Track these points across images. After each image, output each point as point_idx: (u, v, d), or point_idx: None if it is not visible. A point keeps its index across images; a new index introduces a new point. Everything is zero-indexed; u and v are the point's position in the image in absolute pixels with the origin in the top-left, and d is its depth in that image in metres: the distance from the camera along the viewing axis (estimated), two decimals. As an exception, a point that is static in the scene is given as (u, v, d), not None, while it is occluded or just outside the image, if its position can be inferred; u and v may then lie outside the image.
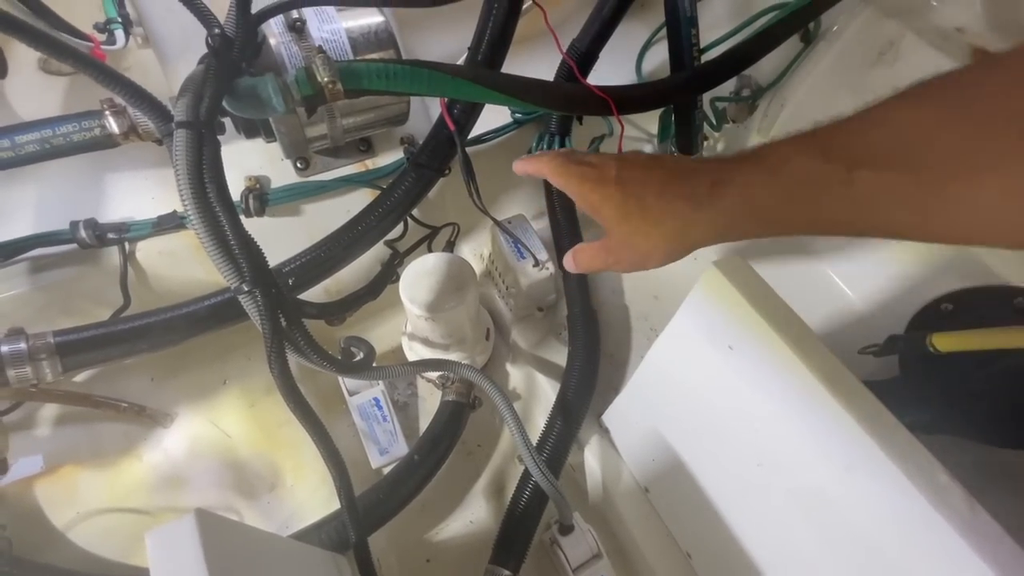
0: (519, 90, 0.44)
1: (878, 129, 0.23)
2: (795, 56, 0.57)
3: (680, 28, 0.51)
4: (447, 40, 0.64)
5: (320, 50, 0.37)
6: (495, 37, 0.48)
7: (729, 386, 0.32)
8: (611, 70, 0.72)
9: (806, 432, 0.27)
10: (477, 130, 0.65)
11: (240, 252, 0.31)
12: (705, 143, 0.63)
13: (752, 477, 0.34)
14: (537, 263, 0.57)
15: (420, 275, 0.51)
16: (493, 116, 0.65)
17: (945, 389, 0.46)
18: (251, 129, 0.44)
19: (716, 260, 0.32)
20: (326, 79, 0.36)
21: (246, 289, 0.32)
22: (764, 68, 0.60)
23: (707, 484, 0.40)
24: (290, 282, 0.48)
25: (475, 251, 0.68)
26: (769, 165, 0.27)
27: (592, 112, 0.48)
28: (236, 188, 0.51)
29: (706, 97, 0.61)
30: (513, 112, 0.65)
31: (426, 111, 0.62)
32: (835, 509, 0.27)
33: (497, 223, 0.55)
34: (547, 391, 0.58)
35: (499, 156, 0.67)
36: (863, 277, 0.58)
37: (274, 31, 0.40)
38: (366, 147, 0.56)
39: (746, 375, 0.30)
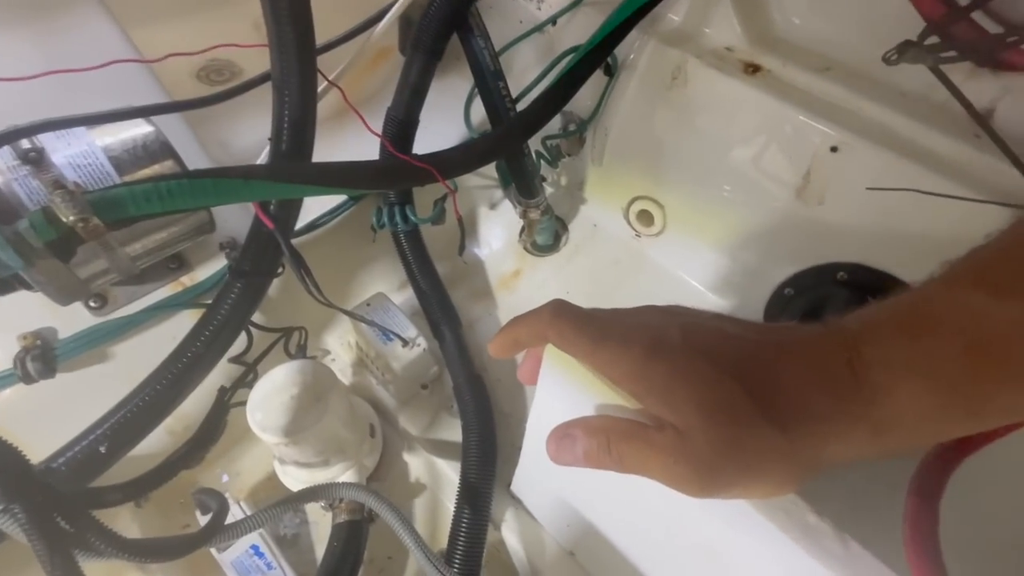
0: (331, 178, 0.41)
1: None
2: (604, 88, 0.60)
3: (488, 83, 0.51)
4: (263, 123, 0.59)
5: (58, 184, 0.30)
6: (296, 121, 0.44)
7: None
8: (442, 127, 0.71)
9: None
10: (311, 214, 0.60)
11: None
12: (545, 182, 0.64)
13: (656, 532, 0.33)
14: (406, 343, 0.53)
15: (268, 396, 0.44)
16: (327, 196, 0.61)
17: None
18: (2, 286, 0.36)
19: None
20: (73, 217, 0.30)
21: (-2, 509, 0.24)
22: (582, 103, 0.63)
23: (621, 541, 0.38)
24: (101, 450, 0.39)
25: (342, 340, 0.62)
26: (937, 327, 0.19)
27: (420, 183, 0.46)
28: (7, 353, 0.42)
29: (538, 137, 0.62)
30: (347, 188, 0.61)
31: (245, 206, 0.57)
32: (726, 563, 0.26)
33: (349, 314, 0.50)
34: (451, 474, 0.53)
35: (341, 235, 0.62)
36: (712, 275, 0.61)
37: (0, 168, 0.33)
38: (177, 264, 0.49)
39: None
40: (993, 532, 0.39)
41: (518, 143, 0.51)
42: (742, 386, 0.20)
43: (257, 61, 0.79)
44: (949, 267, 0.21)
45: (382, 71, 0.77)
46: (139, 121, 0.39)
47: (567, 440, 0.25)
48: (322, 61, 0.60)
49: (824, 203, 0.49)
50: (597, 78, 0.59)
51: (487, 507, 0.48)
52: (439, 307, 0.58)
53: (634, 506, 0.34)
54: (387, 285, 0.64)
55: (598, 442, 0.23)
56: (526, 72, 0.64)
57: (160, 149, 0.39)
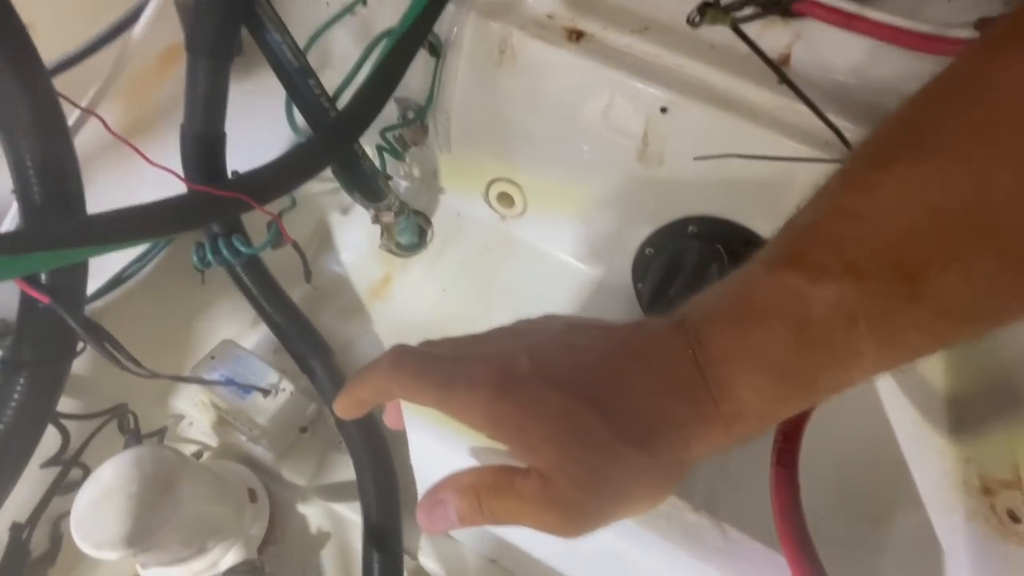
0: (112, 232, 0.33)
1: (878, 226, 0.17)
2: (434, 69, 0.55)
3: (295, 82, 0.45)
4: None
5: None
6: (45, 165, 0.34)
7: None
8: (265, 135, 0.63)
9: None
10: (113, 266, 0.50)
11: None
12: (392, 179, 0.59)
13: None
14: (267, 392, 0.47)
15: (96, 504, 0.36)
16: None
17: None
18: None
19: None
20: None
21: None
22: (416, 88, 0.58)
23: (533, 543, 0.38)
24: None
25: (194, 400, 0.54)
26: (759, 314, 0.19)
27: (233, 215, 0.39)
28: None
29: (375, 130, 0.57)
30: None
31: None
32: (628, 565, 0.26)
33: (186, 379, 0.43)
34: (353, 516, 0.49)
35: (161, 283, 0.53)
36: (579, 247, 0.61)
37: None
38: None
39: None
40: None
41: (345, 146, 0.45)
42: (595, 409, 0.20)
43: None
44: (768, 246, 0.21)
45: (176, 74, 0.65)
46: None
47: (439, 507, 0.22)
48: (73, 80, 0.49)
49: (664, 163, 0.51)
50: (425, 60, 0.55)
51: (397, 542, 0.45)
52: (301, 339, 0.52)
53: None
54: (235, 328, 0.56)
55: (469, 503, 0.21)
56: (346, 61, 0.57)
57: None
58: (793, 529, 0.21)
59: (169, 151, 0.48)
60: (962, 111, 0.17)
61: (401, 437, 0.53)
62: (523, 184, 0.61)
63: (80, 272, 0.39)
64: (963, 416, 0.34)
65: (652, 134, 0.49)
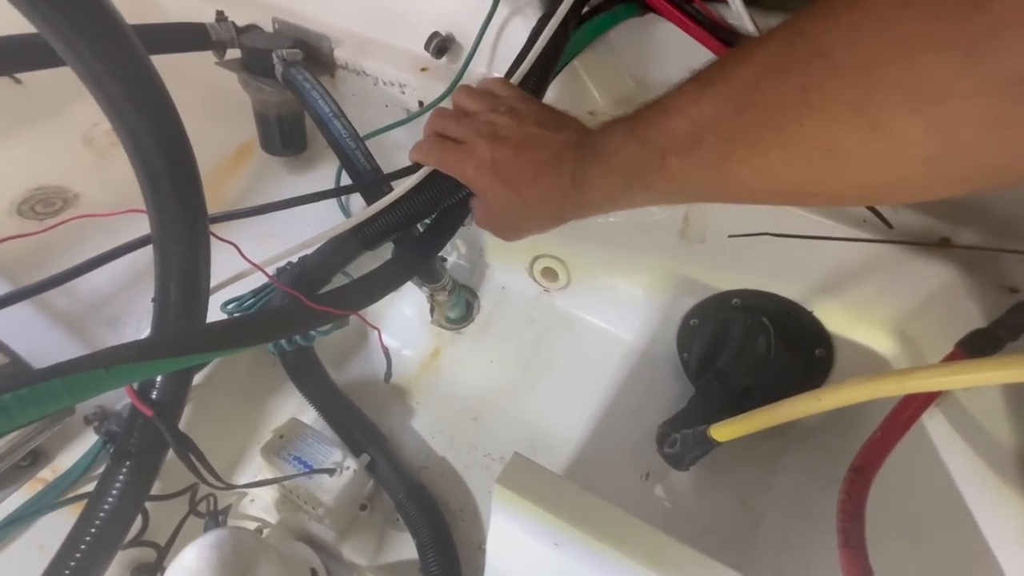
0: (219, 341, 0.36)
1: (676, 118, 0.26)
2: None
3: (340, 144, 0.48)
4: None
5: None
6: (184, 274, 0.37)
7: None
8: (318, 218, 0.68)
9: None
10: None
11: None
12: (445, 261, 0.63)
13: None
14: (332, 471, 0.49)
15: (184, 590, 0.38)
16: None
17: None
18: None
19: (500, 475, 0.29)
20: None
21: None
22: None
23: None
24: None
25: (257, 476, 0.56)
26: (607, 158, 0.31)
27: (330, 322, 0.43)
28: None
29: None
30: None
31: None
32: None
33: (263, 483, 0.45)
34: (415, 596, 0.49)
35: (240, 360, 0.56)
36: (623, 318, 0.63)
37: None
38: (29, 460, 0.41)
39: (584, 567, 0.28)
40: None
41: (426, 263, 0.49)
42: (513, 188, 0.36)
43: (94, 180, 0.70)
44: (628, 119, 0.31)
45: (246, 171, 0.71)
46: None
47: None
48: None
49: (706, 240, 0.53)
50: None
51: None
52: (355, 430, 0.54)
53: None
54: (299, 403, 0.58)
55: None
56: (404, 158, 0.63)
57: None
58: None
59: (237, 238, 0.53)
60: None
61: (456, 519, 0.54)
62: (567, 260, 0.64)
63: (183, 385, 0.42)
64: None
65: (693, 215, 0.53)
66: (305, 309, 0.40)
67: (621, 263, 0.60)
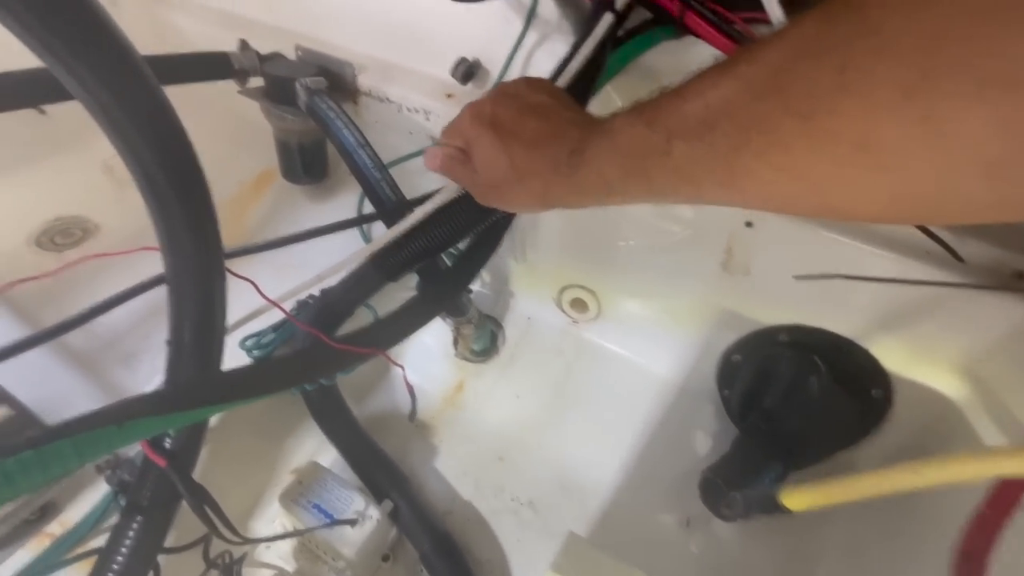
0: (240, 390, 0.34)
1: (691, 102, 0.23)
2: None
3: (365, 174, 0.46)
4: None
5: None
6: (199, 314, 0.35)
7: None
8: (341, 244, 0.66)
9: None
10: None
11: None
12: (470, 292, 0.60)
13: None
14: (353, 522, 0.46)
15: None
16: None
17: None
18: None
19: (555, 562, 0.25)
20: None
21: None
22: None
23: None
24: None
25: (273, 522, 0.53)
26: (611, 136, 0.28)
27: (356, 364, 0.40)
28: None
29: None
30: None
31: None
32: None
33: (282, 536, 0.42)
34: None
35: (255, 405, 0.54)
36: (658, 351, 0.60)
37: None
38: (38, 514, 0.39)
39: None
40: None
41: (456, 297, 0.46)
42: (510, 156, 0.33)
43: (115, 210, 0.69)
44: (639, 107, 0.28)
45: (267, 198, 0.70)
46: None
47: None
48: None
49: (751, 273, 0.50)
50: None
51: None
52: (378, 473, 0.51)
53: None
54: (318, 441, 0.56)
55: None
56: (429, 187, 0.61)
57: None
58: None
59: (256, 269, 0.51)
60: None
61: (482, 568, 0.50)
62: (598, 290, 0.61)
63: (197, 435, 0.39)
64: None
65: (737, 246, 0.49)
66: (329, 351, 0.38)
67: (657, 295, 0.57)
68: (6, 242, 0.61)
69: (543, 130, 0.31)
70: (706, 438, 0.58)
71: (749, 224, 0.47)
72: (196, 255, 0.32)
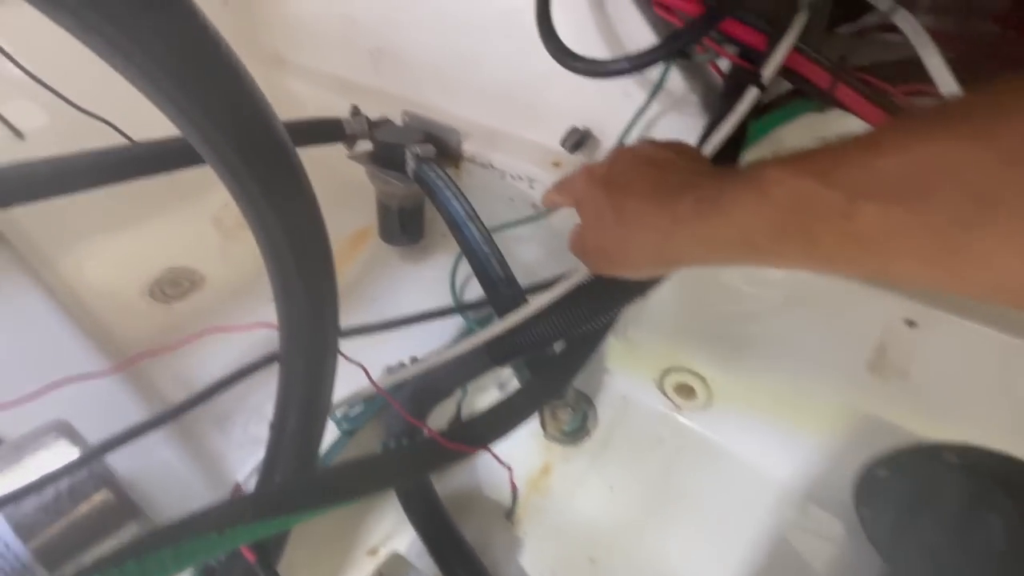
0: (341, 492, 0.31)
1: (890, 157, 0.19)
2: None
3: (473, 247, 0.44)
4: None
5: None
6: (307, 401, 0.33)
7: None
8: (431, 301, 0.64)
9: None
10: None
11: None
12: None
13: None
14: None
15: None
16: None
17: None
18: None
19: None
20: None
21: None
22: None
23: None
24: None
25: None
26: (759, 185, 0.23)
27: (459, 459, 0.37)
28: None
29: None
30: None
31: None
32: None
33: None
34: None
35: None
36: (780, 453, 0.52)
37: None
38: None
39: None
40: None
41: (563, 387, 0.42)
42: (627, 196, 0.29)
43: (220, 262, 0.72)
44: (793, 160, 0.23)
45: (361, 257, 0.70)
46: (56, 446, 0.29)
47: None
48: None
49: (909, 377, 0.43)
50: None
51: None
52: (462, 571, 0.46)
53: None
54: (397, 518, 0.52)
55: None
56: (528, 258, 0.58)
57: (114, 506, 0.28)
58: None
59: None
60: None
61: None
62: (709, 377, 0.55)
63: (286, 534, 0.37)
64: None
65: (892, 346, 0.42)
66: (435, 447, 0.34)
67: (783, 390, 0.50)
68: (123, 292, 0.64)
69: (661, 181, 0.28)
70: (836, 561, 0.49)
71: (912, 323, 0.41)
72: (312, 347, 0.30)
